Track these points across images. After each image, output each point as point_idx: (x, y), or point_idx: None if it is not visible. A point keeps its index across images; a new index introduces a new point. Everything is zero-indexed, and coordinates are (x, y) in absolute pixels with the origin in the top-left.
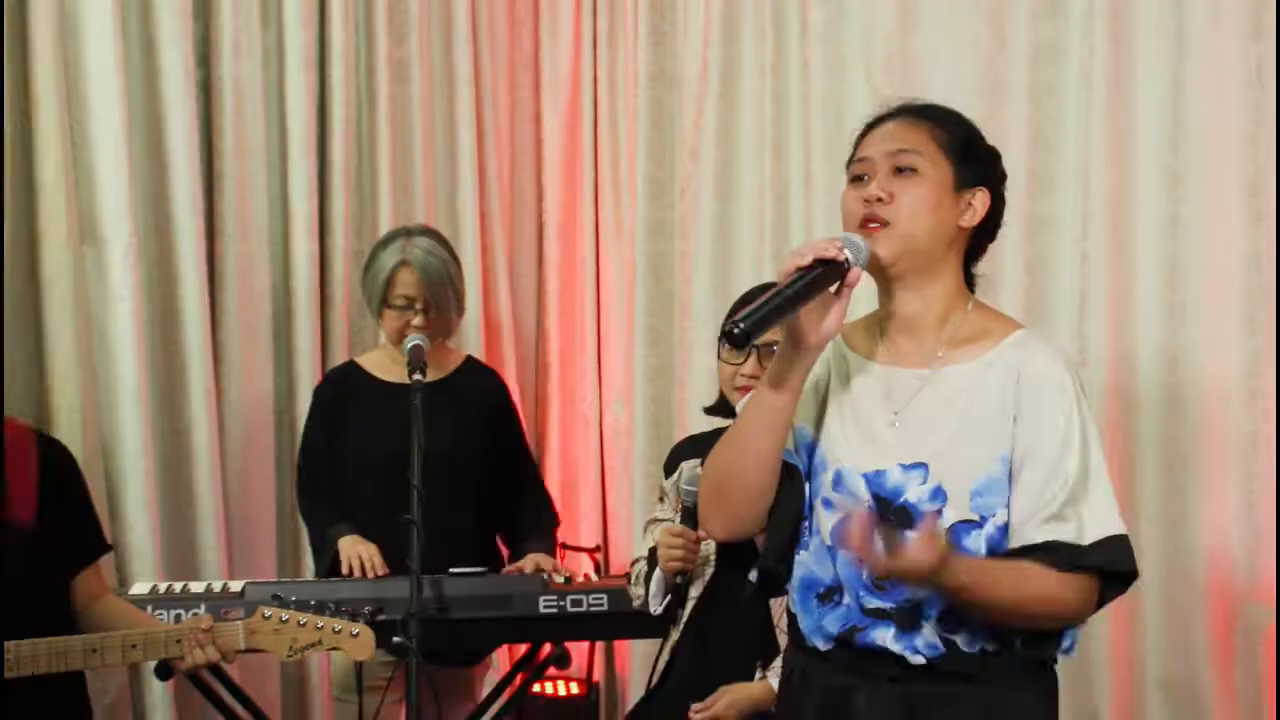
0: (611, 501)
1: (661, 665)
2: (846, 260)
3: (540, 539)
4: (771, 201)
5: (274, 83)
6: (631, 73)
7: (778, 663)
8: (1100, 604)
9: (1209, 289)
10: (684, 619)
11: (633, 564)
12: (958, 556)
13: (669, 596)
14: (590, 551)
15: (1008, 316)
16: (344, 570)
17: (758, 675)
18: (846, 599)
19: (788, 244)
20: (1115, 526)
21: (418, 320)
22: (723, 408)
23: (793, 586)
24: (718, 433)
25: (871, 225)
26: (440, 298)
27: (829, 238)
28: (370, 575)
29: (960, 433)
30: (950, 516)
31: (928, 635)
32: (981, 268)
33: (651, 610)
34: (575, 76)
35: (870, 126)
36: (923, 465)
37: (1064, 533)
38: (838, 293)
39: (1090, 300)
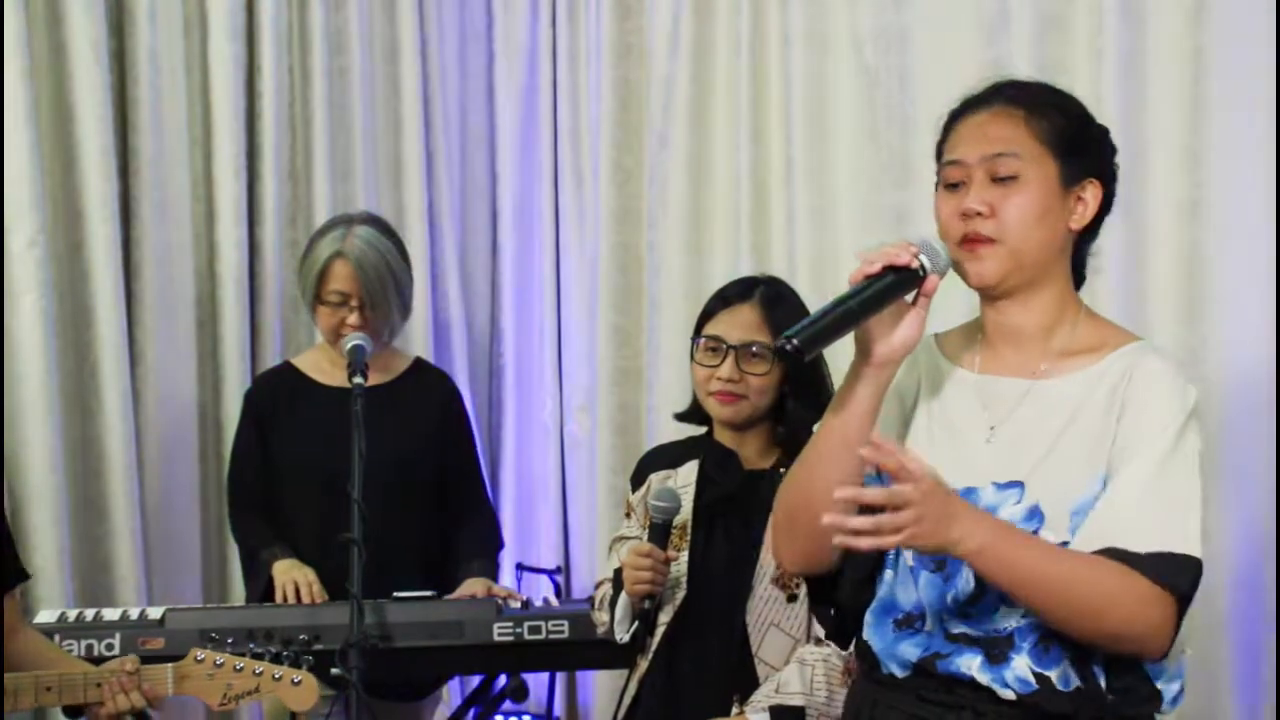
0: (573, 518)
1: (628, 699)
2: (922, 267)
3: (478, 564)
4: (749, 189)
5: (196, 52)
6: (594, 46)
7: (756, 696)
8: (1178, 624)
9: (1232, 278)
10: (653, 648)
11: (597, 587)
12: (973, 508)
13: (636, 623)
14: (550, 573)
15: (1123, 328)
16: (278, 597)
17: (734, 710)
18: (929, 624)
19: (767, 235)
20: (1188, 547)
21: (353, 319)
22: (695, 414)
23: (869, 613)
24: (689, 441)
25: (972, 244)
26: (377, 295)
27: (902, 242)
28: (307, 602)
29: (1060, 449)
30: (1048, 539)
31: (1019, 669)
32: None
33: (617, 638)
34: (532, 49)
35: (958, 114)
36: (1018, 484)
37: (1125, 536)
38: (914, 301)
39: (1100, 293)
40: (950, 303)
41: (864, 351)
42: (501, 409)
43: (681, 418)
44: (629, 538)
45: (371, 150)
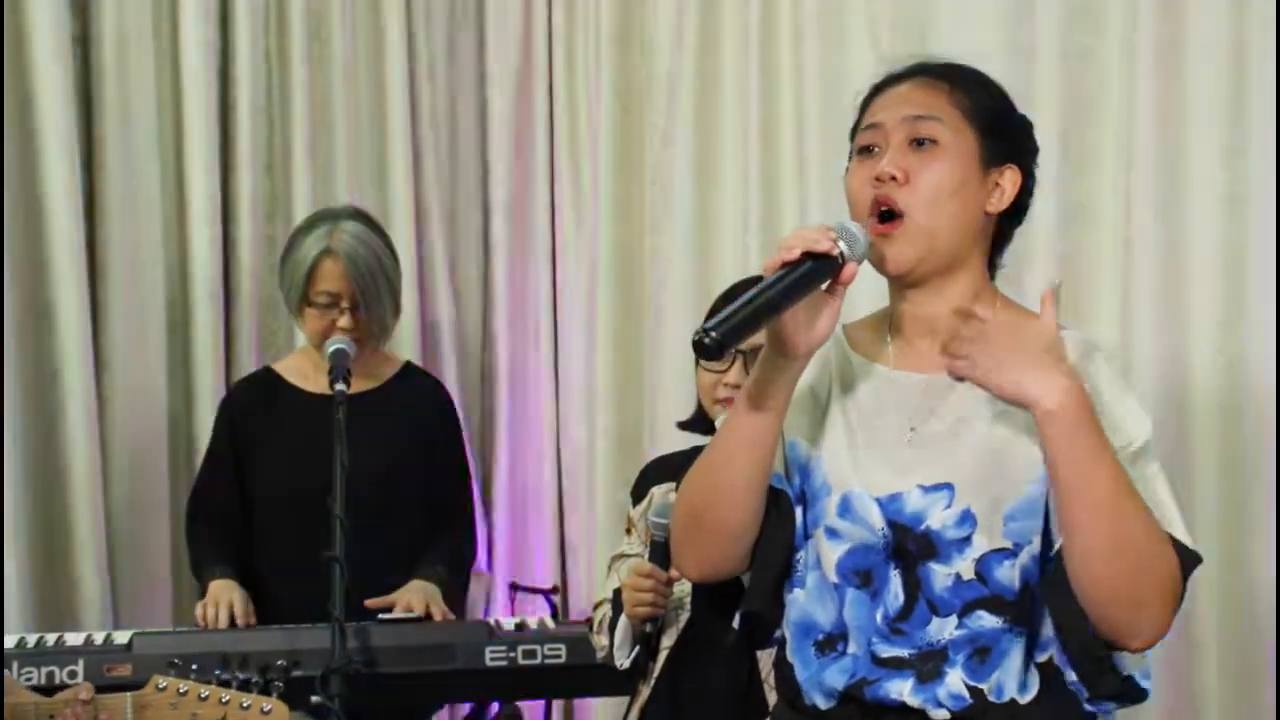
0: (570, 534)
1: None
2: (841, 254)
3: (437, 570)
4: (758, 189)
5: (165, 36)
6: (593, 36)
7: None
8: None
9: (1272, 280)
10: (655, 673)
11: (595, 608)
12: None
13: (637, 647)
14: (546, 593)
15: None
16: (197, 618)
17: None
18: (853, 647)
19: (777, 239)
20: (1190, 541)
21: (344, 321)
22: (701, 422)
23: (787, 631)
24: (695, 452)
25: (884, 221)
26: (371, 295)
27: (820, 226)
28: (221, 626)
29: (989, 447)
30: (980, 545)
31: (952, 684)
32: (1006, 257)
33: (617, 663)
34: (526, 37)
35: (879, 89)
36: (947, 486)
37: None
38: (830, 290)
39: (1135, 295)
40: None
41: (778, 344)
42: (494, 418)
43: (686, 426)
44: (629, 555)
45: (354, 142)
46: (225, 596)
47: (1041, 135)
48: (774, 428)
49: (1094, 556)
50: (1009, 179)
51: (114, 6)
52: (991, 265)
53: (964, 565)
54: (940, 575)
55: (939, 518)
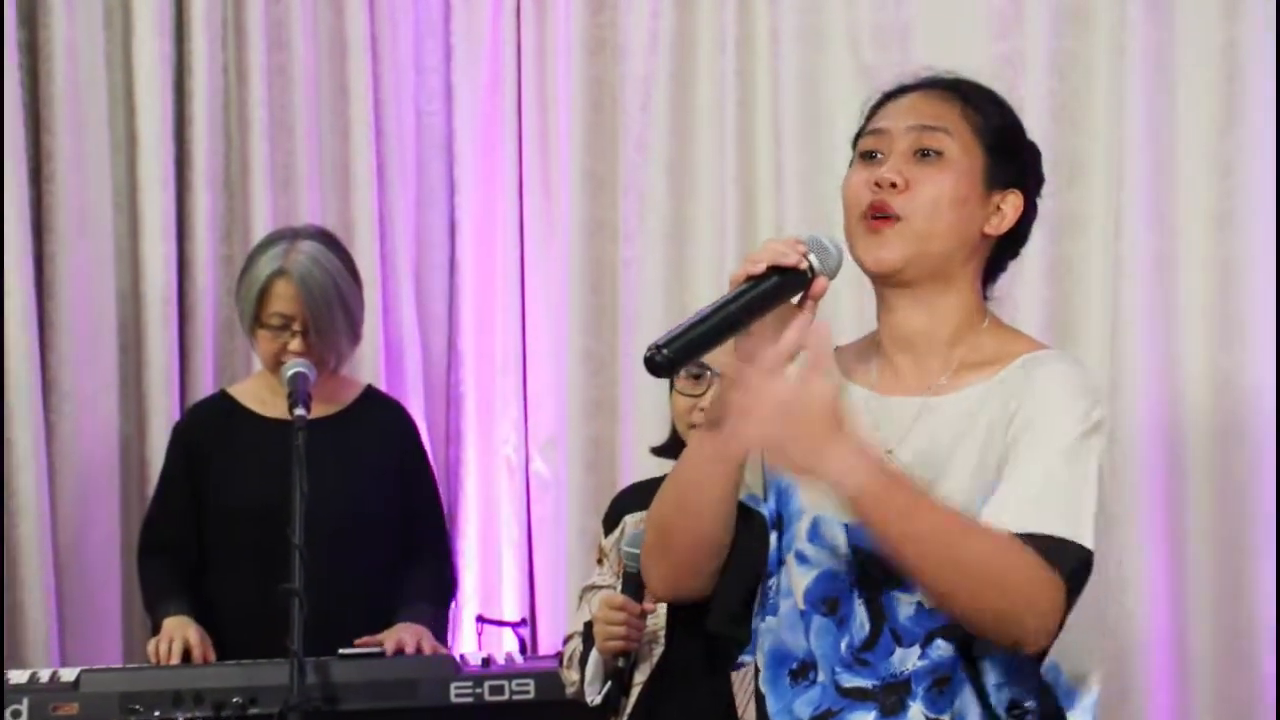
0: (540, 564)
1: None
2: (811, 268)
3: (422, 608)
4: (735, 199)
5: (118, 46)
6: (564, 41)
7: None
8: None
9: (1269, 296)
10: (628, 710)
11: (565, 642)
12: (859, 441)
13: (610, 683)
14: (514, 626)
15: (1033, 338)
16: (150, 655)
17: None
18: (821, 675)
19: (754, 249)
20: (1078, 536)
21: (295, 344)
22: (675, 448)
23: (761, 661)
24: None
25: (878, 218)
26: (322, 318)
27: (791, 239)
28: (174, 661)
29: (953, 471)
30: None
31: (913, 717)
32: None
33: (588, 700)
34: (495, 45)
35: (888, 97)
36: None
37: (1014, 519)
38: (801, 304)
39: (1125, 311)
40: (839, 308)
41: (744, 359)
42: (460, 443)
43: (659, 452)
44: (601, 587)
45: (316, 157)
46: (180, 633)
47: None
48: (741, 447)
49: (944, 598)
50: (1011, 203)
51: (64, 15)
52: (985, 292)
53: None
54: (904, 603)
55: None
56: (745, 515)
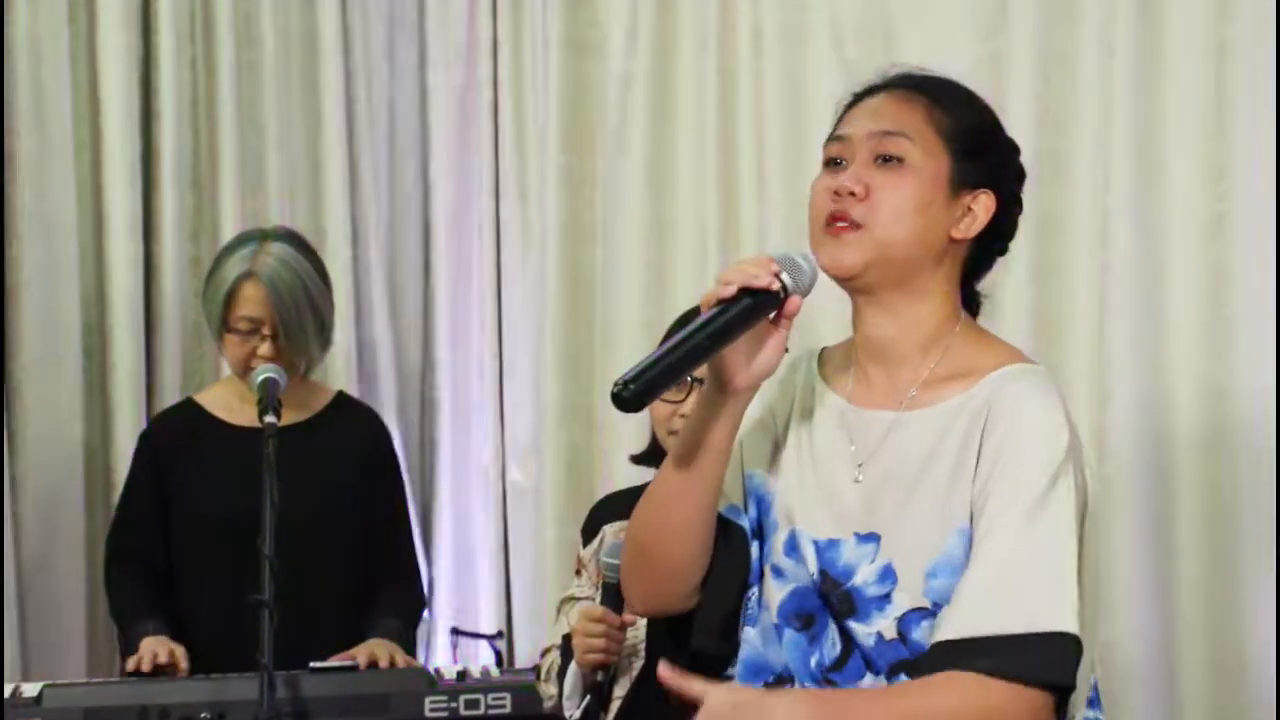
0: (516, 575)
1: None
2: (784, 287)
3: (392, 623)
4: (716, 200)
5: (82, 41)
6: (541, 39)
7: None
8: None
9: (1262, 304)
10: None
11: (543, 655)
12: (785, 692)
13: (588, 697)
14: (490, 638)
15: (1008, 346)
16: (129, 665)
17: None
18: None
19: (736, 251)
20: (1059, 623)
21: (264, 349)
22: (655, 456)
23: (737, 671)
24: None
25: (839, 224)
26: (292, 322)
27: (763, 258)
28: (146, 668)
29: (916, 497)
30: (901, 603)
31: None
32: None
33: (566, 714)
34: (470, 42)
35: (857, 99)
36: (875, 537)
37: (984, 622)
38: (775, 322)
39: (1112, 319)
40: (822, 318)
41: (717, 380)
42: (435, 450)
43: (639, 460)
44: (579, 598)
45: (286, 156)
46: (164, 649)
47: None
48: (717, 464)
49: None
50: (982, 204)
51: (25, 8)
52: (969, 294)
53: (885, 624)
54: (861, 634)
55: (864, 573)
56: (724, 528)
